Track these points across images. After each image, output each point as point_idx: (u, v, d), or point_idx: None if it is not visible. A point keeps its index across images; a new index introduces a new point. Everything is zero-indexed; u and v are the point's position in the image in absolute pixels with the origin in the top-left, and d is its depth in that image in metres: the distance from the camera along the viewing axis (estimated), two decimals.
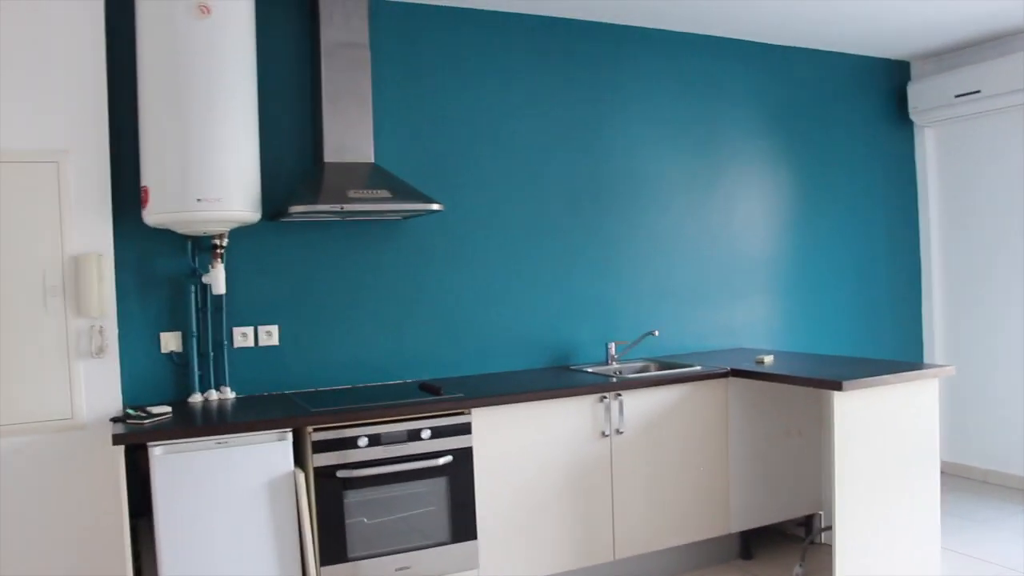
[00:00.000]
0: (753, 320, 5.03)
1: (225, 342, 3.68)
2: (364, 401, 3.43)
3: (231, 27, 3.36)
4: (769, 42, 5.08)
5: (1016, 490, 5.16)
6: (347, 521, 3.21)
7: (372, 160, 3.79)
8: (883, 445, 3.60)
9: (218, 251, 3.54)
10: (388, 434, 3.29)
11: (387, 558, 3.28)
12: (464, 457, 3.42)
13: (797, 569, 3.93)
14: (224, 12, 3.33)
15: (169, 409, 3.27)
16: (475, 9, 4.23)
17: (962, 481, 5.40)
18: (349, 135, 3.75)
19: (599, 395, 3.72)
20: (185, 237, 3.57)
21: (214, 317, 3.66)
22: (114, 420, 3.15)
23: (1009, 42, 5.11)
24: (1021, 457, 5.20)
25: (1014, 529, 4.48)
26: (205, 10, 3.28)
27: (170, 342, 3.60)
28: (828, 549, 3.52)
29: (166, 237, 3.55)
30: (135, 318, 3.54)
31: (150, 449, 2.94)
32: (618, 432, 3.75)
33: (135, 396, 3.48)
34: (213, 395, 3.63)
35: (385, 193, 3.57)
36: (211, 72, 3.30)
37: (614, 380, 3.83)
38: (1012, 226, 5.21)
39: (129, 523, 2.94)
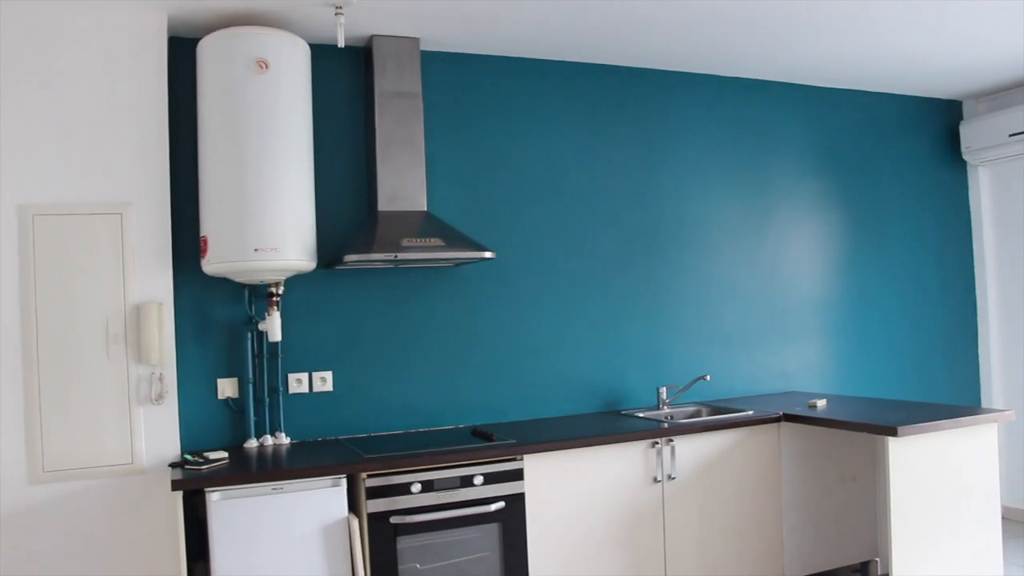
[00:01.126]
0: (805, 363, 4.98)
1: (280, 388, 3.74)
2: (417, 447, 3.45)
3: (288, 81, 3.47)
4: (818, 84, 5.08)
5: None
6: (400, 567, 3.22)
7: (425, 208, 3.85)
8: (941, 491, 3.54)
9: (274, 299, 3.61)
10: (441, 480, 3.31)
11: None
12: (516, 503, 3.42)
13: None
14: (281, 67, 3.44)
15: (226, 455, 3.33)
16: (525, 58, 4.30)
17: None
18: (402, 184, 3.82)
19: (651, 441, 3.70)
20: (242, 285, 3.66)
21: (270, 364, 3.73)
22: (172, 465, 3.21)
23: None
24: None
25: None
26: (263, 65, 3.38)
27: (227, 388, 3.68)
28: None
29: (224, 285, 3.64)
30: (193, 365, 3.62)
31: (207, 495, 2.99)
32: (670, 478, 3.73)
33: (192, 441, 3.55)
34: (268, 441, 3.68)
35: (438, 241, 3.62)
36: (268, 125, 3.40)
37: (665, 425, 3.82)
38: None
39: (186, 567, 2.99)
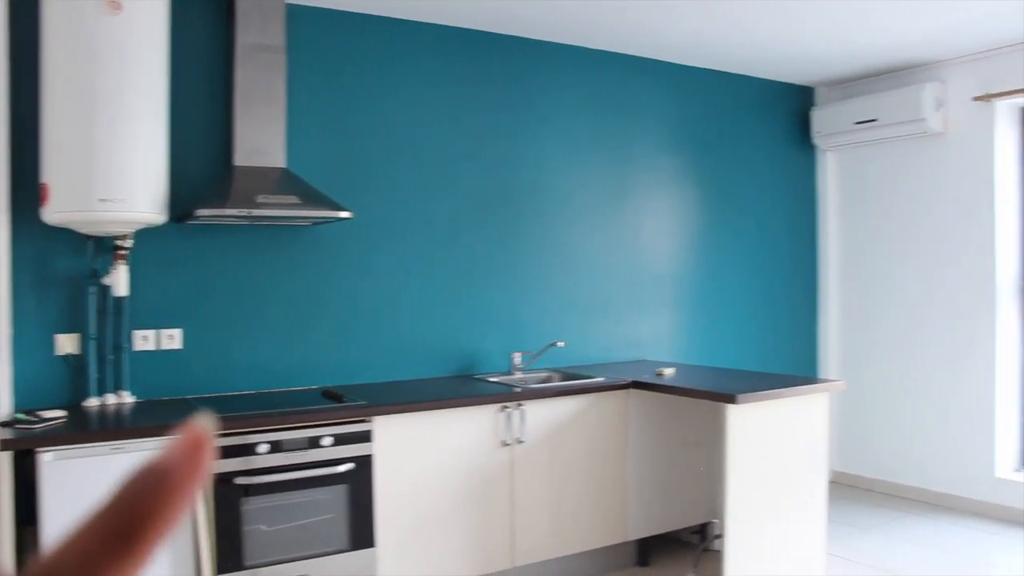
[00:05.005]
0: (658, 333, 5.16)
1: (125, 345, 3.61)
2: (266, 407, 3.41)
3: (142, 24, 3.31)
4: (682, 63, 5.22)
5: (900, 498, 5.42)
6: (245, 528, 3.19)
7: (283, 165, 3.77)
8: (774, 456, 3.74)
9: (121, 252, 3.48)
10: (289, 441, 3.29)
11: (285, 566, 3.27)
12: (365, 465, 3.43)
13: (690, 575, 4.06)
14: (135, 8, 3.27)
15: (63, 413, 3.21)
16: (392, 18, 4.25)
17: (851, 490, 5.63)
18: (261, 139, 3.73)
19: (501, 404, 3.77)
20: (86, 237, 3.50)
21: (114, 319, 3.60)
22: (2, 424, 3.07)
23: (904, 75, 5.37)
24: (905, 467, 5.46)
25: (895, 535, 4.71)
26: (115, 5, 3.22)
27: (66, 344, 3.52)
28: (721, 556, 3.64)
29: (66, 236, 3.47)
30: (29, 319, 3.45)
31: (39, 455, 2.87)
32: (519, 441, 3.82)
33: (27, 400, 3.38)
34: (111, 399, 3.56)
35: (294, 199, 3.57)
36: (120, 69, 3.24)
37: (517, 390, 3.89)
38: (902, 249, 5.47)
39: (15, 533, 2.88)
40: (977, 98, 5.00)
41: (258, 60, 3.74)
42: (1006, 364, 5.05)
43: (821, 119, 5.68)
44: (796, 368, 5.73)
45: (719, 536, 4.18)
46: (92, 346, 3.53)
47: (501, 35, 4.57)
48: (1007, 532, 4.72)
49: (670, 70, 5.19)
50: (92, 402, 3.51)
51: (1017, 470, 5.06)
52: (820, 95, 5.91)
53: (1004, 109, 5.00)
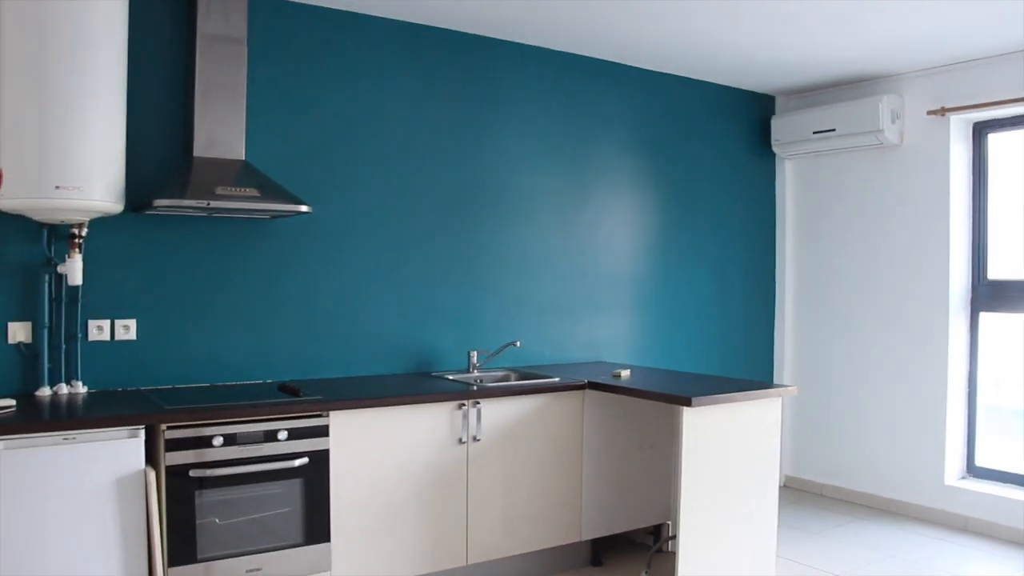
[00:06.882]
0: (614, 335, 5.20)
1: (79, 335, 3.57)
2: (222, 400, 3.38)
3: (102, 8, 3.27)
4: (645, 67, 5.26)
5: (848, 503, 5.51)
6: (198, 521, 3.17)
7: (243, 157, 3.75)
8: (728, 459, 3.78)
9: (76, 241, 3.43)
10: (244, 434, 3.27)
11: (238, 559, 3.25)
12: (320, 459, 3.42)
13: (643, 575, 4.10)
14: None
15: (13, 402, 3.16)
16: (358, 13, 4.24)
17: (802, 494, 5.72)
18: (220, 130, 3.70)
19: (457, 402, 3.77)
20: (41, 224, 3.45)
21: (68, 309, 3.55)
22: None
23: (862, 87, 5.47)
24: (855, 473, 5.55)
25: (843, 539, 4.78)
26: None
27: (18, 332, 3.47)
28: (674, 557, 3.67)
29: (20, 223, 3.42)
30: None
31: None
32: (475, 439, 3.82)
33: None
34: (63, 389, 3.51)
35: (253, 192, 3.55)
36: (78, 54, 3.20)
37: (474, 388, 3.90)
38: (857, 258, 5.57)
39: None
40: (931, 112, 5.10)
41: (219, 51, 3.71)
42: (956, 374, 5.15)
43: (780, 127, 5.76)
44: (751, 373, 5.79)
45: (672, 537, 4.23)
46: (45, 335, 3.48)
47: (466, 34, 4.58)
48: (954, 538, 4.81)
49: (633, 74, 5.23)
50: (44, 392, 3.46)
51: (963, 477, 5.17)
52: (780, 104, 5.99)
53: (957, 124, 5.11)
